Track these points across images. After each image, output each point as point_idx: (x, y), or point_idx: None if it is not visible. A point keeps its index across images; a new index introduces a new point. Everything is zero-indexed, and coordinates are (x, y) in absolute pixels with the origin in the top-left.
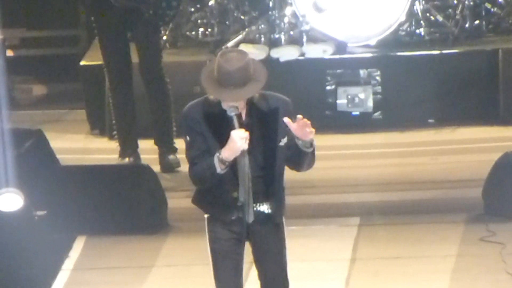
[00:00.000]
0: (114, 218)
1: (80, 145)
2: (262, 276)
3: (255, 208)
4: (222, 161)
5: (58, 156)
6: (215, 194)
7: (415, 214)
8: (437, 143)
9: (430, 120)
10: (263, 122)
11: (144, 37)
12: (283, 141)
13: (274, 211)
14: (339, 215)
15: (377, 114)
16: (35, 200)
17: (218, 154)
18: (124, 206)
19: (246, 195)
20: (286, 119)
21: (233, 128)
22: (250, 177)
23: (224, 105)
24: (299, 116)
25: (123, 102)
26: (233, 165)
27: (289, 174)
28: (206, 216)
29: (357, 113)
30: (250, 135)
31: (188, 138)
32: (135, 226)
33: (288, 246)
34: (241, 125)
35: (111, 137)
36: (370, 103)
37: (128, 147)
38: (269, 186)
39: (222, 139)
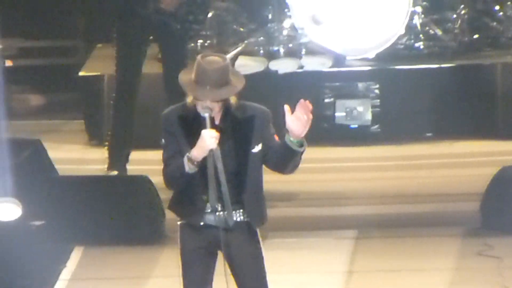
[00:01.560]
0: (112, 228)
1: (78, 156)
2: (241, 287)
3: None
4: (191, 160)
5: (56, 167)
6: (186, 197)
7: (412, 227)
8: (435, 157)
9: (428, 134)
10: (237, 129)
11: (172, 50)
12: (257, 148)
13: (248, 219)
14: (336, 228)
15: (375, 127)
16: (33, 210)
17: (188, 153)
18: (122, 217)
19: (216, 201)
20: (286, 107)
21: (205, 129)
22: (220, 182)
23: (199, 107)
24: (301, 100)
25: (125, 114)
26: (204, 169)
27: (287, 185)
28: (179, 223)
29: (355, 126)
30: (223, 141)
31: (163, 140)
32: (132, 237)
33: (282, 258)
34: (213, 128)
35: None
36: (368, 116)
37: (118, 160)
38: (242, 193)
39: (194, 142)
